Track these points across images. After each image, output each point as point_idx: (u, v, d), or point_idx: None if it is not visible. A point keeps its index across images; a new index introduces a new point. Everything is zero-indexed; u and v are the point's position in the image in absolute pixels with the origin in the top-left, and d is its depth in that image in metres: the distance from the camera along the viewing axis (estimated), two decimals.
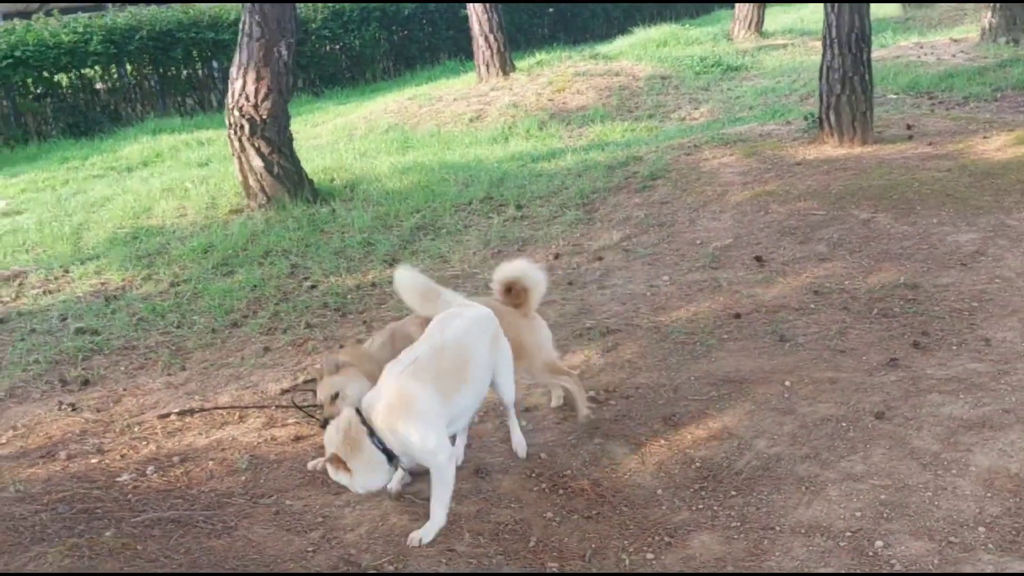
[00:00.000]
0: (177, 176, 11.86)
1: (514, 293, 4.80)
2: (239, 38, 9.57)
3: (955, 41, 15.81)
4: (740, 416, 4.89)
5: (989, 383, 4.83)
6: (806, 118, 10.10)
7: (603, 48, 19.41)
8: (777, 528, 3.94)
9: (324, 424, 4.19)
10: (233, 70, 9.66)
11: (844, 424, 4.64)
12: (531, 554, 4.01)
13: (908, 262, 6.62)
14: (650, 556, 3.91)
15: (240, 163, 9.79)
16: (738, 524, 4.02)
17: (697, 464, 4.55)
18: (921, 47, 15.49)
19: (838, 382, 5.11)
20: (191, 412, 5.68)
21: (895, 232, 7.12)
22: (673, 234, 7.94)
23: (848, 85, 9.01)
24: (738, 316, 6.23)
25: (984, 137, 8.97)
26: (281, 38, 9.48)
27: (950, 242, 6.82)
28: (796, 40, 18.48)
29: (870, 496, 4.04)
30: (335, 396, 4.34)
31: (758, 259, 7.10)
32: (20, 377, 6.47)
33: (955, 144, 8.86)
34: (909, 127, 9.65)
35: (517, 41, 23.05)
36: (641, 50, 18.11)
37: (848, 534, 3.81)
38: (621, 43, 20.15)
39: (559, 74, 15.40)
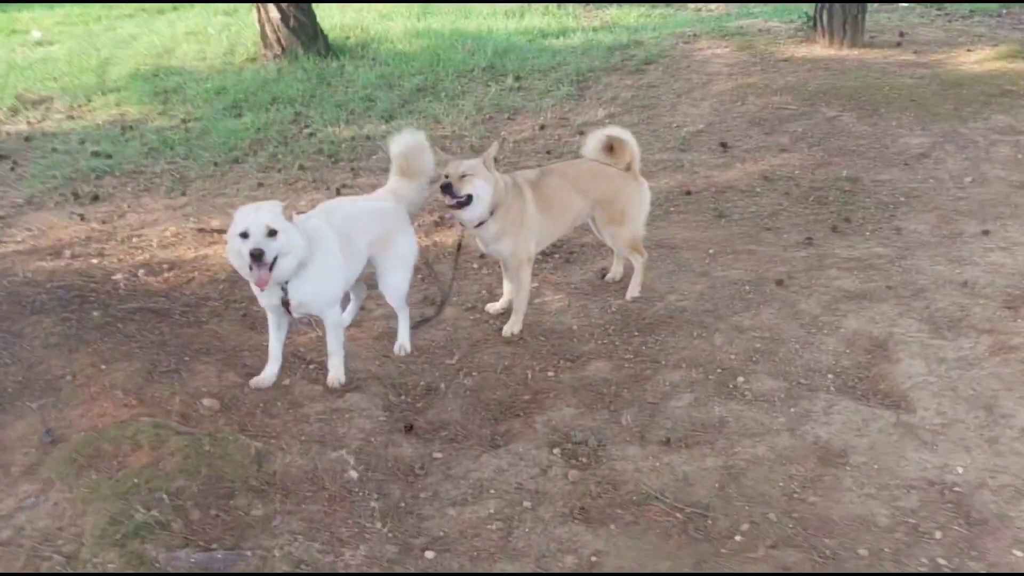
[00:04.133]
0: (202, 22, 12.34)
1: (616, 153, 5.12)
2: None
3: None
4: (662, 275, 5.49)
5: (884, 264, 5.39)
6: (800, 17, 10.39)
7: None
8: (662, 362, 4.58)
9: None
10: None
11: (747, 287, 5.24)
12: (452, 367, 4.69)
13: (858, 158, 7.11)
14: (551, 374, 4.57)
15: (259, 13, 10.27)
16: (631, 357, 4.67)
17: (613, 310, 5.18)
18: None
19: (755, 254, 5.70)
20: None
21: (855, 131, 7.58)
22: (653, 116, 8.41)
23: None
24: (689, 193, 6.78)
25: (968, 50, 9.27)
26: None
27: (901, 143, 7.27)
28: None
29: (747, 344, 4.66)
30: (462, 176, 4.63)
31: (723, 145, 7.59)
32: (39, 189, 7.18)
33: (938, 54, 9.17)
34: (902, 35, 9.94)
35: None
36: None
37: (719, 371, 4.45)
38: None
39: None
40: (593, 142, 5.21)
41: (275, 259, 3.93)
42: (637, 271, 5.30)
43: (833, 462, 3.71)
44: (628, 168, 5.16)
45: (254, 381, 4.35)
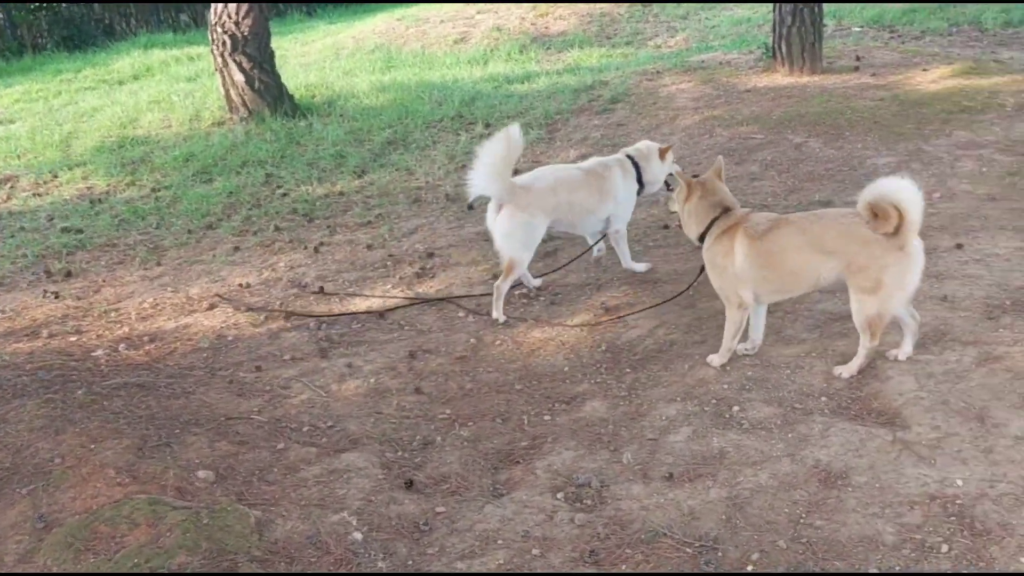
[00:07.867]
0: (165, 89, 12.37)
1: (881, 218, 4.15)
2: None
3: None
4: (650, 314, 5.49)
5: None
6: (759, 48, 10.57)
7: None
8: (657, 397, 4.57)
9: None
10: None
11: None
12: (448, 419, 4.65)
13: (828, 182, 7.19)
14: (547, 417, 4.55)
15: (223, 78, 10.31)
16: (626, 394, 4.66)
17: (603, 347, 5.18)
18: None
19: None
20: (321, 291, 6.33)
21: (822, 155, 7.68)
22: None
23: (798, 17, 9.47)
24: (666, 227, 6.83)
25: (924, 70, 9.47)
26: None
27: (869, 165, 7.37)
28: None
29: (740, 373, 4.66)
30: None
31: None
32: (9, 269, 7.11)
33: (895, 76, 9.35)
34: (858, 59, 10.14)
35: None
36: None
37: (714, 401, 4.44)
38: None
39: None
40: (863, 200, 4.24)
41: None
42: (860, 354, 4.45)
43: (835, 484, 3.69)
44: (896, 232, 4.16)
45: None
